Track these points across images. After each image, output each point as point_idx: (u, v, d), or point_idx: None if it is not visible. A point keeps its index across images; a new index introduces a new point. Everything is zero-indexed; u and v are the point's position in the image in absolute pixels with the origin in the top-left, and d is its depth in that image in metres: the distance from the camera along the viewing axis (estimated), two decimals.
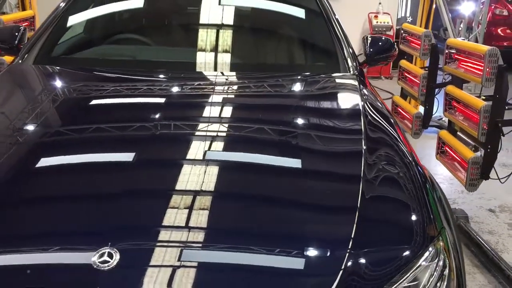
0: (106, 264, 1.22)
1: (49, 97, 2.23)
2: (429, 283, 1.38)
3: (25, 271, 1.25)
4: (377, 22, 8.28)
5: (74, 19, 2.83)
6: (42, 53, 2.56)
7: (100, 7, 3.00)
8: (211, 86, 2.42)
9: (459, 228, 3.38)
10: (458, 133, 3.52)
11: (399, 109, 4.54)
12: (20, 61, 2.52)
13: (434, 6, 5.19)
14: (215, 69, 2.55)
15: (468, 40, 7.66)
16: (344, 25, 2.88)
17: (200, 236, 1.36)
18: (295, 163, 1.75)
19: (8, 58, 3.66)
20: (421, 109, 4.36)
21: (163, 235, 1.35)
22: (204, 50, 2.64)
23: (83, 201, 1.49)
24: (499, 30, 8.90)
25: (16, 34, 2.69)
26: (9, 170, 1.63)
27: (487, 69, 2.93)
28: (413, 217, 1.55)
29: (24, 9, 4.84)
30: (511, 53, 8.32)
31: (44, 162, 1.70)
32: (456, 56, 3.43)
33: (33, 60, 2.52)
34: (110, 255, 1.24)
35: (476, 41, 7.63)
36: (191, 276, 1.23)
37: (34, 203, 1.49)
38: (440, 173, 4.24)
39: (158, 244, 1.31)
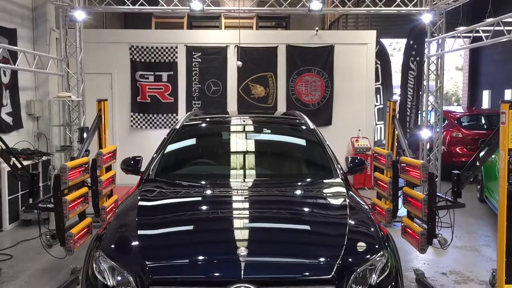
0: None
1: (171, 192, 4.16)
2: (379, 266, 3.07)
3: None
4: (358, 144, 10.39)
5: (170, 152, 4.75)
6: (157, 172, 4.44)
7: (185, 145, 4.97)
8: (262, 186, 4.30)
9: (419, 282, 5.01)
10: (414, 218, 5.28)
11: (376, 207, 6.31)
12: (147, 177, 4.37)
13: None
14: (267, 176, 4.58)
15: (430, 157, 9.74)
16: (332, 147, 4.80)
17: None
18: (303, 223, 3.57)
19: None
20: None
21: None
22: (252, 166, 4.59)
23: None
24: (457, 149, 11.04)
25: (136, 162, 4.60)
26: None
27: (422, 175, 4.78)
28: (376, 240, 3.28)
29: (100, 145, 6.75)
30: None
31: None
32: (406, 168, 5.30)
33: (154, 175, 4.37)
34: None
35: (436, 158, 9.67)
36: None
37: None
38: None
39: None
